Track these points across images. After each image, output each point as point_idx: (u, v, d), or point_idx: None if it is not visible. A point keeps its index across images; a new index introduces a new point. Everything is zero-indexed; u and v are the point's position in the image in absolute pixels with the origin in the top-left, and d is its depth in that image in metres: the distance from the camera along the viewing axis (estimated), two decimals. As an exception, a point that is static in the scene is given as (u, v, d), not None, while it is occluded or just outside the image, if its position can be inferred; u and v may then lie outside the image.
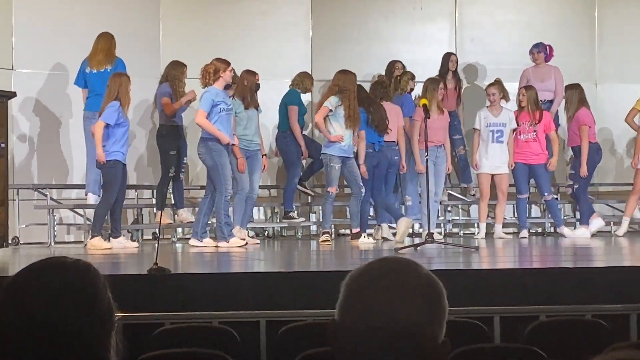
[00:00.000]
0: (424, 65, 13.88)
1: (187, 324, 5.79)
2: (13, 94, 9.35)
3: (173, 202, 12.38)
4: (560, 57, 14.36)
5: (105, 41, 11.88)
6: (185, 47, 13.45)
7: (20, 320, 2.06)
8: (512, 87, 13.13)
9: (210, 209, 10.97)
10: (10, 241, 10.33)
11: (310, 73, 13.16)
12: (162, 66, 13.16)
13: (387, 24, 14.47)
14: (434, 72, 13.80)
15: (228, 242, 10.73)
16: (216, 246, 10.73)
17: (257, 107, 11.82)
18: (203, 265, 9.01)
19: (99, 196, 11.42)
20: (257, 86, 11.87)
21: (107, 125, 10.47)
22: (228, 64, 11.01)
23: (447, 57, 13.77)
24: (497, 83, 12.55)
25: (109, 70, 11.60)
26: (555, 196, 12.96)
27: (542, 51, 13.51)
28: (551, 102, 13.25)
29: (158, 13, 13.59)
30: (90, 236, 10.78)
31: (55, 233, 11.70)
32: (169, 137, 12.00)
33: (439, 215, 12.76)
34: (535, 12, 14.88)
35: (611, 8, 14.93)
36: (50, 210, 11.64)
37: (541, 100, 12.79)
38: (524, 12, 14.82)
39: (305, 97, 13.04)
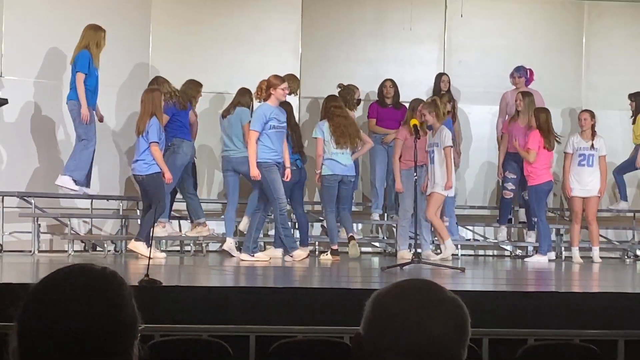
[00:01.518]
0: (412, 86, 13.95)
1: (178, 337, 5.78)
2: (4, 101, 9.34)
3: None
4: (546, 83, 14.47)
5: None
6: (174, 58, 13.50)
7: (45, 326, 2.06)
8: (495, 110, 13.18)
9: (261, 223, 11.37)
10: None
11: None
12: (151, 77, 13.18)
13: (376, 44, 14.54)
14: (422, 93, 13.88)
15: (292, 255, 11.14)
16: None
17: None
18: (194, 278, 9.01)
19: (76, 182, 11.61)
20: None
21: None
22: (282, 80, 11.17)
23: (439, 77, 13.86)
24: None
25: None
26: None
27: (522, 75, 13.65)
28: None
29: (148, 25, 13.60)
30: (135, 239, 11.08)
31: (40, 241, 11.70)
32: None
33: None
34: (523, 37, 14.97)
35: (598, 36, 15.03)
36: (35, 218, 11.60)
37: None
38: (512, 37, 14.91)
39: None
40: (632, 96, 13.83)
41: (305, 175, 12.43)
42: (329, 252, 11.94)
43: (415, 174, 10.34)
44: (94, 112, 11.81)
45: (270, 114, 10.93)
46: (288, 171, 11.38)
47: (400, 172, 12.20)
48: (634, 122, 13.74)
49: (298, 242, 11.79)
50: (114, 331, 2.08)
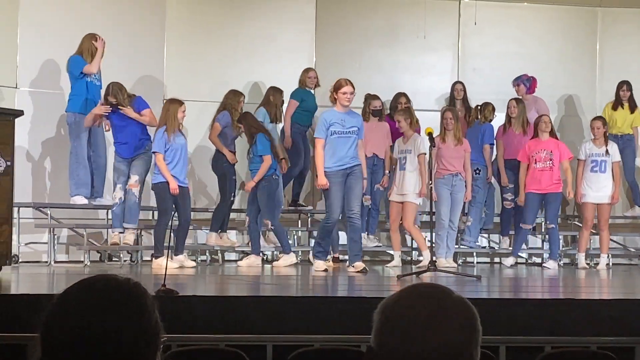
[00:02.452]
0: (425, 95, 13.96)
1: (195, 346, 5.78)
2: (20, 113, 9.36)
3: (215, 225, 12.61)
4: (560, 89, 14.49)
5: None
6: (189, 68, 13.54)
7: (68, 336, 2.07)
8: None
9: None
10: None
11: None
12: (165, 87, 13.27)
13: (389, 53, 14.54)
14: (436, 101, 13.90)
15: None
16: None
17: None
18: (211, 287, 9.01)
19: (86, 197, 11.74)
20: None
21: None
22: (344, 84, 10.74)
23: (453, 86, 13.86)
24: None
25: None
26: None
27: (521, 84, 13.70)
28: None
29: (163, 35, 13.63)
30: (155, 257, 11.24)
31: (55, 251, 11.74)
32: (228, 162, 12.35)
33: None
34: (536, 44, 14.96)
35: (612, 43, 15.01)
36: (51, 229, 11.64)
37: None
38: (526, 44, 14.90)
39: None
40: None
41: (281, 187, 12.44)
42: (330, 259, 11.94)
43: (431, 182, 10.30)
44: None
45: (331, 120, 10.61)
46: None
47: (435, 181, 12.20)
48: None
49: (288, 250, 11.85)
50: (137, 342, 2.09)
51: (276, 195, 12.07)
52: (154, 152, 11.14)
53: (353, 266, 10.67)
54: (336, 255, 12.06)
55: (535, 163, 12.34)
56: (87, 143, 11.92)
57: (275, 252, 13.17)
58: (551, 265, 12.45)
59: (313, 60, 14.26)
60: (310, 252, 11.60)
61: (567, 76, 14.74)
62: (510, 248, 13.17)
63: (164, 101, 12.82)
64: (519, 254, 13.19)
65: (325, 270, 10.80)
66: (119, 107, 11.52)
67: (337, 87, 10.66)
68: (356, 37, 14.46)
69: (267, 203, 11.80)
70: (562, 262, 13.73)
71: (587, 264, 12.68)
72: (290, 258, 11.93)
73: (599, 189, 12.54)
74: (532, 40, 14.96)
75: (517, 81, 13.80)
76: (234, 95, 12.52)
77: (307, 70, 13.37)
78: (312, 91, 13.40)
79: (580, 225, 13.06)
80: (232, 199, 12.47)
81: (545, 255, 13.21)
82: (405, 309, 2.12)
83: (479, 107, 13.36)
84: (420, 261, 12.03)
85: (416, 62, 14.57)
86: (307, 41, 14.28)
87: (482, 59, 14.69)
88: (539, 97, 13.70)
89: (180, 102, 11.25)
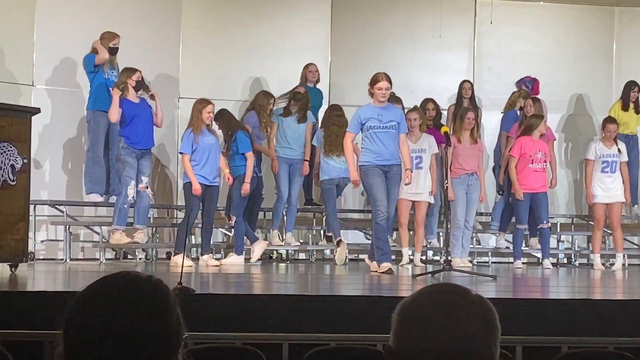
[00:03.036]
0: (441, 94, 13.93)
1: (211, 344, 5.79)
2: (37, 110, 9.38)
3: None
4: (576, 89, 14.46)
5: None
6: (204, 66, 13.56)
7: (91, 332, 2.07)
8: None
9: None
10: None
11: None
12: (181, 86, 13.29)
13: (405, 51, 14.54)
14: (450, 100, 13.88)
15: (379, 266, 10.27)
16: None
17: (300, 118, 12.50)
18: (227, 286, 9.03)
19: (101, 195, 11.75)
20: (298, 95, 12.62)
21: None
22: (380, 79, 10.25)
23: (461, 84, 13.82)
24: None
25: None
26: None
27: (524, 85, 13.78)
28: None
29: (178, 34, 13.65)
30: (173, 253, 11.24)
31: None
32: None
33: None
34: (552, 44, 14.94)
35: (629, 42, 14.98)
36: (67, 226, 11.66)
37: None
38: (542, 44, 14.87)
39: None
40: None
41: (262, 184, 12.44)
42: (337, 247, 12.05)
43: (446, 181, 10.28)
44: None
45: (366, 115, 10.21)
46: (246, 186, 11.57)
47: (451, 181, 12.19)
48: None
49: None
50: (159, 339, 2.09)
51: (256, 193, 12.09)
52: (180, 153, 11.15)
53: (379, 266, 10.22)
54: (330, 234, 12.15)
55: (532, 163, 12.27)
56: (105, 141, 11.93)
57: (290, 252, 13.19)
58: (548, 264, 12.41)
59: (328, 59, 14.26)
60: (366, 256, 11.26)
61: (583, 76, 14.71)
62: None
63: (178, 99, 12.88)
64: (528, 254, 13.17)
65: (390, 270, 10.18)
66: (149, 90, 11.54)
67: (373, 82, 10.23)
68: (372, 35, 14.46)
69: (240, 199, 11.72)
70: (577, 262, 13.73)
71: (603, 264, 12.63)
72: (239, 260, 11.70)
73: (610, 189, 12.50)
74: (548, 40, 14.93)
75: (520, 83, 13.80)
76: (264, 96, 12.47)
77: (307, 66, 13.35)
78: (314, 86, 13.35)
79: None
80: (262, 196, 12.45)
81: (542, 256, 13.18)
82: (423, 308, 2.13)
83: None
84: (437, 260, 12.08)
85: (432, 61, 14.56)
86: (322, 39, 14.28)
87: (497, 58, 14.67)
88: (541, 99, 13.66)
89: (206, 102, 11.25)
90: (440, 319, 2.09)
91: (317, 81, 13.42)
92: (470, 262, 12.60)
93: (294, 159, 12.51)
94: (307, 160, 12.54)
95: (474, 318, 2.10)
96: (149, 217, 12.03)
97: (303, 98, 12.62)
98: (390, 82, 10.25)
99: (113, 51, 11.99)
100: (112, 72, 11.99)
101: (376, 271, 10.13)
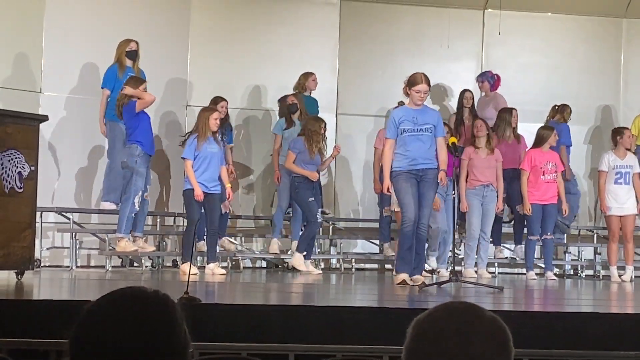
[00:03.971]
0: (449, 104, 13.93)
1: (217, 354, 5.78)
2: (45, 118, 9.38)
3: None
4: (584, 100, 14.46)
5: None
6: (212, 75, 13.56)
7: (97, 348, 2.07)
8: (534, 128, 13.14)
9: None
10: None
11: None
12: (188, 93, 13.29)
13: (413, 61, 14.49)
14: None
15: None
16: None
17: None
18: (233, 295, 9.02)
19: (115, 203, 11.76)
20: (293, 107, 12.61)
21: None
22: (419, 82, 9.65)
23: (462, 94, 13.79)
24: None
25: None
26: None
27: (485, 80, 13.70)
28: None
29: (186, 42, 13.66)
30: (181, 262, 11.24)
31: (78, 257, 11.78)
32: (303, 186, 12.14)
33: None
34: (560, 55, 14.93)
35: (637, 53, 14.97)
36: (73, 234, 11.66)
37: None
38: (549, 55, 14.87)
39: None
40: None
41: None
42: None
43: (453, 192, 10.25)
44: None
45: (401, 117, 9.66)
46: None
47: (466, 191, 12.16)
48: None
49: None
50: (166, 355, 2.09)
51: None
52: (183, 158, 11.16)
53: (412, 279, 9.63)
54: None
55: (543, 175, 12.28)
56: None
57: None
58: (551, 276, 12.40)
59: (336, 68, 14.26)
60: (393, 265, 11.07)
61: (591, 87, 14.70)
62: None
63: (186, 107, 12.88)
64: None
65: (405, 282, 9.58)
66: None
67: (411, 83, 9.65)
68: (380, 45, 14.46)
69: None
70: (584, 274, 13.71)
71: (621, 275, 12.55)
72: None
73: (624, 201, 12.47)
74: (556, 51, 14.93)
75: (482, 77, 13.77)
76: (315, 122, 12.19)
77: (309, 74, 13.29)
78: (310, 95, 13.32)
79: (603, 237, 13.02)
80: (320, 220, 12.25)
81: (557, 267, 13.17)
82: (438, 325, 2.12)
83: (556, 107, 13.61)
84: (435, 270, 12.10)
85: (440, 71, 14.54)
86: (330, 48, 14.28)
87: (505, 69, 14.65)
88: (499, 93, 13.67)
89: (212, 110, 11.32)
90: (454, 338, 2.08)
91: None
92: (491, 273, 12.62)
93: None
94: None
95: (488, 340, 2.09)
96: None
97: (297, 106, 12.67)
98: (429, 84, 9.73)
99: (132, 55, 11.99)
100: None
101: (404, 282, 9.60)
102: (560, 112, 13.55)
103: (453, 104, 14.13)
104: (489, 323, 2.13)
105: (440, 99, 14.05)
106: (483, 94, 13.90)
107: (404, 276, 9.61)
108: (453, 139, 10.11)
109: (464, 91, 13.87)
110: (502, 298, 9.08)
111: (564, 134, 13.29)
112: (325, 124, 12.24)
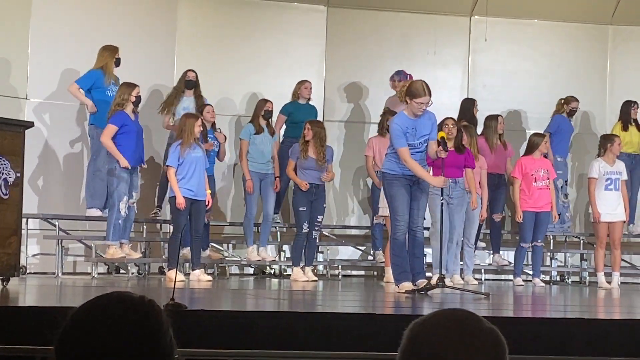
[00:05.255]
0: (435, 110, 13.85)
1: (203, 361, 5.75)
2: (31, 124, 9.36)
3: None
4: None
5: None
6: (200, 81, 13.52)
7: (82, 352, 2.05)
8: (520, 135, 13.19)
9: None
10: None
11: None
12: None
13: (400, 67, 14.50)
14: (446, 116, 13.85)
15: (398, 286, 9.56)
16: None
17: (272, 133, 12.64)
18: (219, 302, 9.00)
19: (100, 209, 11.78)
20: (268, 113, 12.60)
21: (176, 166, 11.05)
22: (422, 94, 9.33)
23: (472, 103, 13.72)
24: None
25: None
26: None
27: (402, 79, 13.60)
28: None
29: (173, 48, 13.65)
30: (167, 268, 11.26)
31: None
32: (297, 193, 12.06)
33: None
34: (547, 62, 14.97)
35: (623, 60, 15.02)
36: (59, 240, 11.63)
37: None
38: (536, 61, 14.91)
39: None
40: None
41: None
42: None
43: (449, 195, 10.24)
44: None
45: (405, 127, 9.32)
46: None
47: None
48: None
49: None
50: (150, 359, 2.08)
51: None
52: (166, 166, 11.14)
53: (415, 285, 9.39)
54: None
55: (535, 182, 12.29)
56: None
57: (283, 267, 13.19)
58: (539, 282, 12.45)
59: (323, 74, 14.26)
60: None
61: (577, 93, 14.70)
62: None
63: (173, 114, 12.83)
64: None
65: (412, 291, 9.26)
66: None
67: (413, 94, 9.28)
68: (367, 51, 14.47)
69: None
70: (570, 279, 13.74)
71: (608, 282, 12.55)
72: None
73: (614, 207, 12.49)
74: (543, 57, 14.96)
75: (399, 76, 13.29)
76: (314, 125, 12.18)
77: (302, 82, 13.31)
78: (307, 102, 13.30)
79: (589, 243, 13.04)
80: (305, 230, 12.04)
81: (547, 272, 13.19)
82: (435, 332, 2.10)
83: (562, 101, 13.93)
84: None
85: (427, 77, 14.32)
86: (317, 55, 14.28)
87: (492, 76, 14.69)
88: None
89: (196, 117, 11.30)
90: (451, 347, 2.06)
91: (310, 98, 13.39)
92: (478, 279, 12.63)
93: (266, 173, 12.70)
94: (277, 177, 12.74)
95: (484, 350, 2.08)
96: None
97: (271, 113, 12.78)
98: (430, 94, 9.42)
99: (118, 63, 12.03)
100: (112, 87, 11.93)
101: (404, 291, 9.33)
102: (567, 103, 13.72)
103: (442, 110, 14.05)
104: (486, 333, 2.11)
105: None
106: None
107: (407, 285, 9.35)
108: (442, 134, 10.00)
109: (473, 101, 13.76)
110: (488, 304, 9.08)
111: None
112: (309, 127, 12.07)
